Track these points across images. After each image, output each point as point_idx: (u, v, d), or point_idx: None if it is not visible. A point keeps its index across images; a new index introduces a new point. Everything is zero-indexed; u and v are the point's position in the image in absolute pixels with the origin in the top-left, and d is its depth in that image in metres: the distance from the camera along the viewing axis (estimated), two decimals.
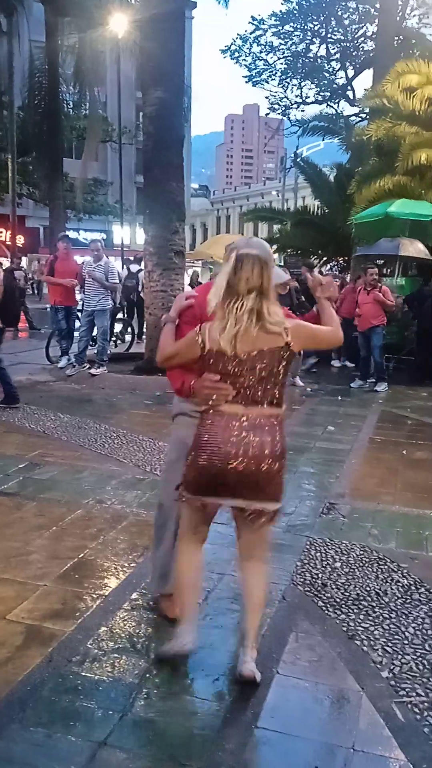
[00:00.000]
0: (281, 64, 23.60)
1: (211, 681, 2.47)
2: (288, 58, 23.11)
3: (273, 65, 23.72)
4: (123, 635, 2.75)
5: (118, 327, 12.86)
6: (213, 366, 2.35)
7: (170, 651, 2.48)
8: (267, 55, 23.54)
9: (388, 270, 11.33)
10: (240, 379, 2.33)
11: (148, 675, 2.48)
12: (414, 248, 10.07)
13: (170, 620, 2.74)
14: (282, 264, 18.57)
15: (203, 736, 2.17)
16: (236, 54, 24.11)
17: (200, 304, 2.59)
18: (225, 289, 2.31)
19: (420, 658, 2.65)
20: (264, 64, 23.81)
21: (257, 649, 2.48)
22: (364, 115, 18.74)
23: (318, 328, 2.51)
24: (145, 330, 10.08)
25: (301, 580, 3.29)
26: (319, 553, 3.62)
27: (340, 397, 8.47)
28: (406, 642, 2.77)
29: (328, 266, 18.64)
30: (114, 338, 12.06)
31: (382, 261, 11.39)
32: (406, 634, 2.83)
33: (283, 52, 23.11)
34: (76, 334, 9.50)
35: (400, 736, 2.20)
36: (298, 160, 18.48)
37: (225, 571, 3.35)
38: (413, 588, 3.25)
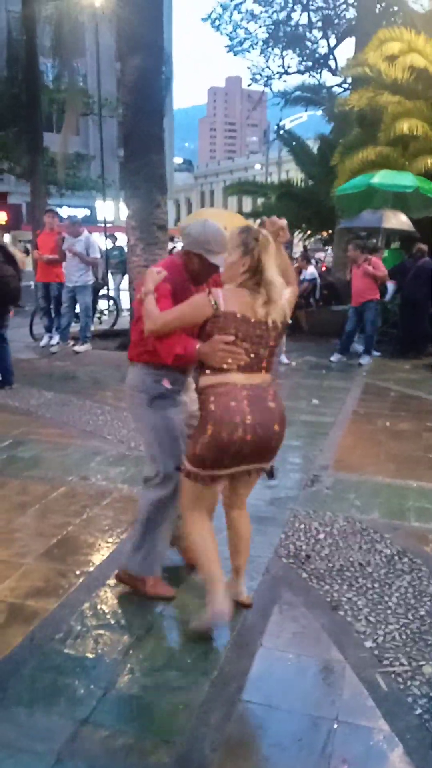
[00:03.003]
0: (262, 32, 23.14)
1: (195, 655, 2.46)
2: (269, 26, 22.63)
3: (254, 34, 23.26)
4: (106, 611, 2.73)
5: (104, 304, 12.73)
6: (223, 329, 2.41)
7: (206, 622, 2.53)
8: (248, 23, 23.07)
9: (375, 242, 11.25)
10: (255, 347, 2.44)
11: (131, 651, 2.47)
12: (397, 220, 9.98)
13: (167, 599, 2.82)
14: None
15: (187, 711, 2.17)
16: (217, 22, 23.61)
17: (173, 281, 2.65)
18: (245, 263, 2.42)
19: (403, 628, 2.66)
20: (245, 33, 23.33)
21: None
22: (346, 86, 18.46)
23: (288, 297, 2.57)
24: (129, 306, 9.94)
25: (285, 552, 3.29)
26: (303, 525, 3.62)
27: (323, 371, 8.45)
28: (389, 611, 2.78)
29: (312, 239, 18.53)
30: (98, 315, 11.92)
31: (366, 233, 11.29)
32: (390, 603, 2.84)
33: (264, 20, 22.64)
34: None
35: (384, 706, 2.21)
36: (282, 132, 18.17)
37: None
38: (396, 558, 3.26)
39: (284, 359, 8.83)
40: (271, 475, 2.67)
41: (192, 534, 2.62)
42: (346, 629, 2.64)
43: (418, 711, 2.19)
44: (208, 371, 2.47)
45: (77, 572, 3.03)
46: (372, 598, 2.87)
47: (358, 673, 2.38)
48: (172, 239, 19.55)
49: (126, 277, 10.96)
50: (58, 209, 11.96)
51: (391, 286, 10.12)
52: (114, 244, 15.80)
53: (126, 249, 10.00)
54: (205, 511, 2.63)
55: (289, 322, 2.56)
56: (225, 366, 2.42)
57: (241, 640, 2.55)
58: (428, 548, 3.39)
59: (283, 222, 2.62)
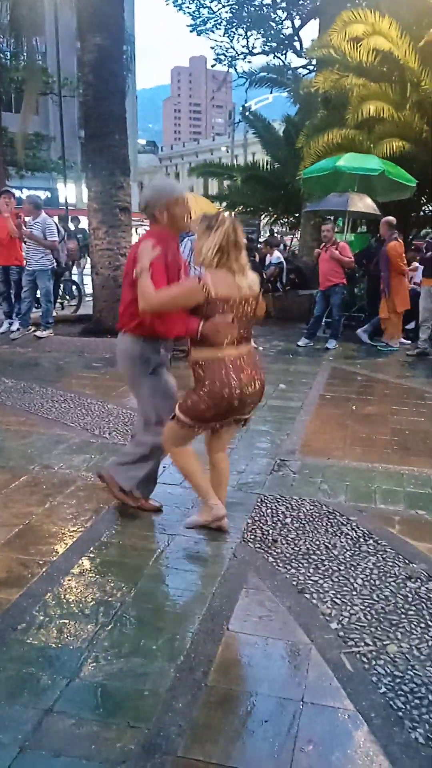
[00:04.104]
0: (226, 12, 22.86)
1: (161, 642, 2.44)
2: (233, 6, 22.37)
3: (217, 13, 22.97)
4: (70, 600, 2.69)
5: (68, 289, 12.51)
6: (215, 311, 2.84)
7: (203, 520, 3.25)
8: (211, 2, 22.76)
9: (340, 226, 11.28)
10: (240, 320, 2.92)
11: (95, 639, 2.44)
12: (363, 203, 10.01)
13: (158, 510, 3.51)
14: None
15: (153, 697, 2.15)
16: (179, 0, 23.21)
17: (165, 251, 3.00)
18: (222, 246, 2.82)
19: (368, 608, 2.69)
20: (208, 12, 23.02)
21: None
22: (311, 67, 18.40)
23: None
24: (92, 291, 9.79)
25: (252, 536, 3.29)
26: (269, 510, 3.62)
27: (291, 355, 8.47)
28: (354, 593, 2.80)
29: (279, 223, 18.50)
30: (60, 300, 11.72)
31: (332, 217, 11.32)
32: (355, 585, 2.86)
33: (228, 0, 22.37)
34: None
35: (349, 686, 2.22)
36: (247, 113, 18.03)
37: (176, 531, 3.32)
38: (362, 540, 3.28)
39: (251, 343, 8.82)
40: (245, 422, 3.22)
41: (178, 462, 3.24)
42: (312, 612, 2.66)
43: (383, 690, 2.21)
44: (203, 346, 2.91)
45: (40, 561, 2.98)
46: (338, 581, 2.89)
47: (324, 654, 2.39)
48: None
49: (89, 260, 10.76)
50: (18, 191, 11.64)
51: None
52: (76, 226, 15.52)
53: (88, 232, 9.82)
54: (184, 445, 3.18)
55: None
56: (226, 342, 2.89)
57: (207, 625, 2.54)
58: (393, 530, 3.43)
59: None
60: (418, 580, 2.91)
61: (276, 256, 12.32)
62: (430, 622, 2.60)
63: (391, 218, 9.20)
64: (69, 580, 2.85)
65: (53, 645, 2.40)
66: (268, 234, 17.15)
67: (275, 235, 17.15)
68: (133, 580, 2.85)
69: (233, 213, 16.12)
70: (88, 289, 11.94)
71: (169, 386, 3.34)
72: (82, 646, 2.40)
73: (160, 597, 2.75)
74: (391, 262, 8.85)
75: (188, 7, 23.35)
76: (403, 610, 2.68)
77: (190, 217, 3.19)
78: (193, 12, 23.39)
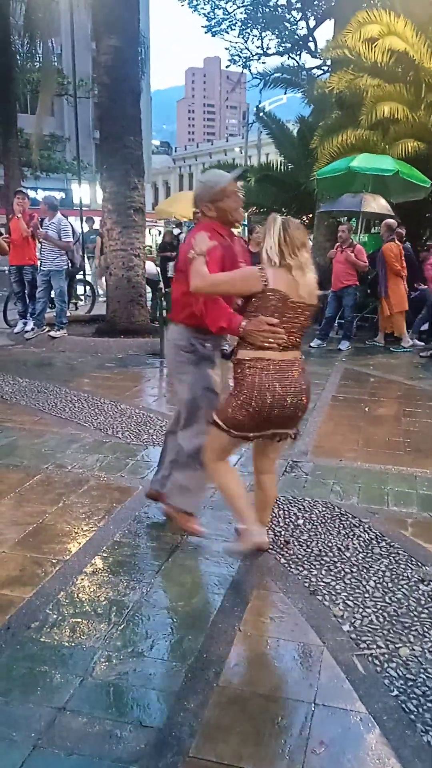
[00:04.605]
0: (241, 13, 22.84)
1: (173, 642, 2.45)
2: (247, 6, 22.34)
3: (232, 14, 22.95)
4: (83, 599, 2.71)
5: (81, 290, 12.56)
6: (268, 307, 2.65)
7: (242, 548, 2.92)
8: (226, 3, 22.74)
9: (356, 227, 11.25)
10: (292, 324, 2.70)
11: (108, 638, 2.45)
12: (377, 204, 9.97)
13: (189, 533, 3.25)
14: (246, 223, 18.28)
15: (165, 697, 2.16)
16: (194, 1, 23.23)
17: (220, 247, 2.87)
18: (280, 245, 2.64)
19: (380, 611, 2.68)
20: (223, 13, 23.00)
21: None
22: (326, 68, 18.33)
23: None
24: (106, 291, 9.82)
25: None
26: (282, 511, 3.62)
27: (303, 356, 8.43)
28: (366, 595, 2.79)
29: None
30: (74, 300, 11.77)
31: (346, 217, 11.28)
32: (367, 587, 2.85)
33: (243, 1, 22.35)
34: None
35: (361, 689, 2.22)
36: (261, 114, 17.99)
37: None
38: (374, 542, 3.27)
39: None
40: (294, 438, 2.94)
41: (218, 482, 3.00)
42: (324, 613, 2.65)
43: (395, 693, 2.20)
44: (248, 346, 2.72)
45: (53, 560, 3.00)
46: (350, 583, 2.89)
47: (336, 656, 2.39)
48: (179, 225, 19.21)
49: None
50: (33, 192, 11.72)
51: None
52: (91, 227, 15.59)
53: (101, 232, 9.86)
54: (226, 459, 2.99)
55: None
56: (266, 345, 2.68)
57: (219, 625, 2.55)
58: (406, 532, 3.42)
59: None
60: (431, 583, 2.90)
61: None
62: None
63: (391, 221, 9.20)
64: (82, 579, 2.86)
65: (66, 644, 2.42)
66: None
67: None
68: (145, 580, 2.86)
69: (246, 213, 16.10)
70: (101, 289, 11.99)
71: (212, 381, 3.14)
72: (95, 645, 2.42)
73: (172, 597, 2.75)
74: (387, 263, 8.87)
75: (203, 8, 23.37)
76: (415, 613, 2.67)
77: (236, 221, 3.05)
78: (208, 13, 23.40)
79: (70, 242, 8.73)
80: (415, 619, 2.63)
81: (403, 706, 2.14)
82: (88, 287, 12.87)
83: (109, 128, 9.04)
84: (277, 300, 2.65)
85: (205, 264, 2.74)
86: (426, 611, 2.68)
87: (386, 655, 2.40)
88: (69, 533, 3.29)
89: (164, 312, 8.26)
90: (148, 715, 2.09)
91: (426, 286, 9.46)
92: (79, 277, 11.93)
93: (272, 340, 2.68)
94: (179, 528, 3.29)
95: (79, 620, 2.56)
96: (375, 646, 2.45)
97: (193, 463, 3.13)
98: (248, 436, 2.82)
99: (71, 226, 9.16)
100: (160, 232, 25.83)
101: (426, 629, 2.56)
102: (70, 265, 9.05)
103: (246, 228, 21.36)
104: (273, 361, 2.70)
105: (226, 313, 2.76)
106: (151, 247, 16.95)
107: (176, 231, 17.35)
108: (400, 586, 2.87)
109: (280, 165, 16.87)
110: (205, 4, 23.22)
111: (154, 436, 4.85)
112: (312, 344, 9.06)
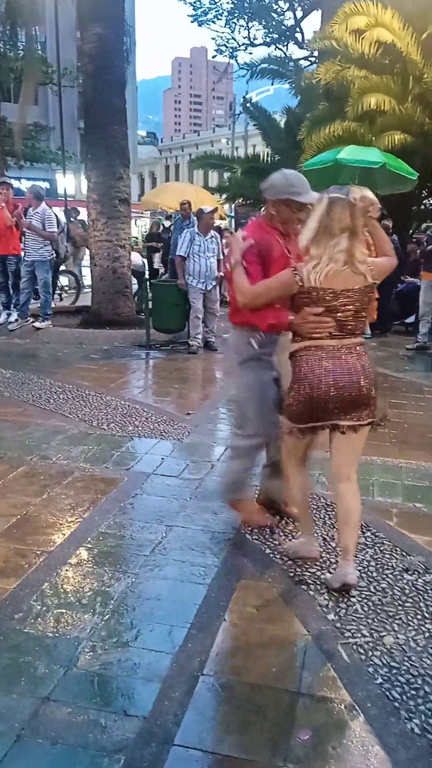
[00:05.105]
0: (227, 2, 22.74)
1: (158, 632, 2.45)
2: None
3: (219, 4, 22.84)
4: (68, 590, 2.70)
5: (65, 280, 12.47)
6: (310, 302, 2.63)
7: (298, 554, 2.94)
8: None
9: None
10: (336, 314, 2.63)
11: (93, 629, 2.44)
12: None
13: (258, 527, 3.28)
14: (233, 214, 18.26)
15: (149, 686, 2.16)
16: None
17: (258, 242, 2.91)
18: (318, 230, 2.58)
19: (365, 600, 2.69)
20: (210, 3, 22.90)
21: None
22: (313, 59, 18.30)
23: (383, 261, 2.78)
24: (91, 281, 9.76)
25: (249, 528, 3.29)
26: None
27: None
28: None
29: None
30: (58, 291, 11.68)
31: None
32: None
33: None
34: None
35: (345, 677, 2.23)
36: (248, 105, 17.91)
37: (174, 522, 3.32)
38: (359, 532, 3.28)
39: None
40: (373, 426, 2.81)
41: (290, 485, 3.03)
42: (309, 603, 2.66)
43: (379, 680, 2.22)
44: (300, 338, 2.71)
45: (37, 552, 2.98)
46: (334, 572, 2.89)
47: (320, 645, 2.40)
48: (169, 217, 18.89)
49: (87, 252, 10.72)
50: (17, 182, 11.58)
51: None
52: (75, 218, 15.46)
53: (87, 223, 9.79)
54: (298, 463, 2.95)
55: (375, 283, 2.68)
56: (315, 335, 2.65)
57: (204, 615, 2.55)
58: (391, 522, 3.44)
59: (374, 198, 2.78)
60: (416, 573, 2.92)
61: None
62: (426, 614, 2.60)
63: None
64: (66, 571, 2.85)
65: (50, 634, 2.41)
66: None
67: None
68: (130, 571, 2.85)
69: (233, 205, 16.06)
70: (87, 280, 11.91)
71: (262, 385, 3.12)
72: (80, 635, 2.41)
73: (157, 587, 2.75)
74: None
75: None
76: (400, 602, 2.69)
77: (293, 233, 2.99)
78: (194, 2, 23.25)
79: (54, 233, 8.64)
80: (400, 608, 2.64)
81: (387, 693, 2.16)
82: (73, 278, 12.77)
83: (93, 118, 8.96)
84: (316, 294, 2.61)
85: (244, 274, 2.82)
86: (410, 600, 2.70)
87: (371, 644, 2.41)
88: (53, 524, 3.27)
89: (149, 303, 8.24)
90: (133, 704, 2.08)
91: (414, 279, 9.49)
92: (62, 268, 11.83)
93: (319, 330, 2.65)
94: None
95: (64, 611, 2.55)
96: (359, 635, 2.46)
97: (232, 458, 3.39)
98: (308, 427, 2.76)
99: (56, 216, 9.07)
100: (146, 223, 25.67)
101: (410, 618, 2.57)
102: (55, 255, 8.96)
103: (233, 219, 21.31)
104: (324, 349, 2.66)
105: (272, 311, 2.78)
106: (137, 237, 16.85)
107: (167, 223, 17.21)
108: (384, 576, 2.89)
109: (267, 156, 16.82)
110: None
111: (140, 428, 4.83)
112: None
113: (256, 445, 3.26)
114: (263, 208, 3.03)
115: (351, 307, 2.64)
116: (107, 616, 2.52)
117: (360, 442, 2.79)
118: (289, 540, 3.17)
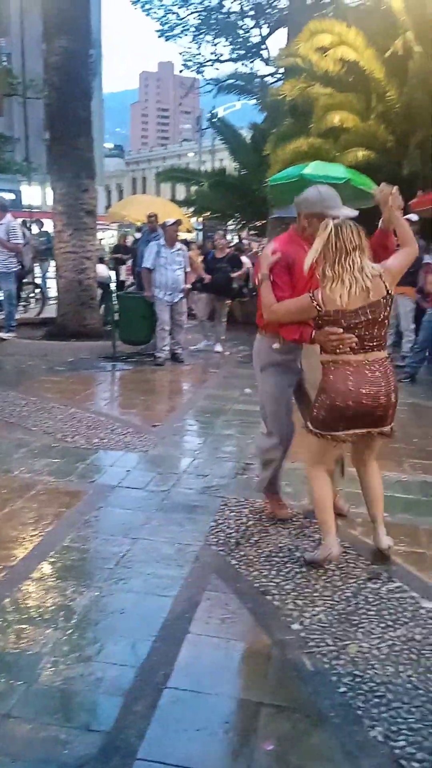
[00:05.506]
0: (194, 18, 22.96)
1: (122, 646, 2.42)
2: (201, 12, 22.47)
3: (185, 20, 23.04)
4: (29, 605, 2.65)
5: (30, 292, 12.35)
6: (332, 323, 2.79)
7: (320, 557, 3.00)
8: (179, 8, 22.83)
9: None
10: (359, 330, 2.79)
11: (55, 644, 2.40)
12: None
13: (278, 519, 3.51)
14: (201, 227, 18.28)
15: (112, 700, 2.13)
16: (147, 6, 23.22)
17: (286, 254, 3.07)
18: (329, 253, 2.75)
19: (329, 609, 2.70)
20: (176, 18, 23.08)
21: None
22: (279, 75, 18.57)
23: (398, 258, 2.92)
24: (57, 293, 9.69)
25: (215, 540, 3.28)
26: (233, 513, 3.62)
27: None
28: (316, 594, 2.81)
29: (247, 230, 18.59)
30: (23, 302, 11.57)
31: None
32: (317, 587, 2.88)
33: (196, 6, 22.45)
34: None
35: (310, 686, 2.23)
36: (214, 120, 18.09)
37: (139, 535, 3.30)
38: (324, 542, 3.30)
39: (218, 348, 8.84)
40: (388, 435, 3.05)
41: (312, 485, 3.12)
42: (274, 613, 2.66)
43: (342, 689, 2.22)
44: (324, 352, 2.90)
45: None
46: (300, 582, 2.91)
47: (285, 655, 2.40)
48: (139, 230, 18.73)
49: (53, 263, 10.65)
50: None
51: None
52: (40, 229, 15.35)
53: (53, 235, 9.73)
54: (323, 468, 3.10)
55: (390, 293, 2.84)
56: (338, 352, 2.83)
57: (169, 628, 2.53)
58: (355, 531, 3.46)
59: (394, 188, 2.98)
60: (379, 581, 2.94)
61: (243, 261, 12.36)
62: (389, 622, 2.62)
63: None
64: (28, 585, 2.80)
65: (11, 650, 2.36)
66: (236, 240, 17.22)
67: (242, 242, 17.18)
68: (94, 584, 2.82)
69: (199, 218, 16.15)
70: (52, 292, 11.81)
71: (280, 389, 3.39)
72: (42, 651, 2.36)
73: (121, 600, 2.72)
74: None
75: (156, 13, 23.36)
76: (364, 610, 2.71)
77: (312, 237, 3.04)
78: (161, 17, 23.41)
79: (19, 245, 8.57)
80: (363, 616, 2.66)
81: (351, 702, 2.17)
82: (37, 290, 12.67)
83: (59, 129, 8.94)
84: (334, 314, 2.78)
85: (270, 289, 3.01)
86: (374, 609, 2.72)
87: (335, 653, 2.42)
88: (15, 539, 3.22)
89: (116, 315, 8.21)
90: (96, 719, 2.06)
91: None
92: (26, 280, 11.72)
93: (341, 347, 2.82)
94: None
95: (25, 626, 2.51)
96: (324, 644, 2.47)
97: (256, 456, 3.70)
98: (334, 436, 2.94)
99: (21, 228, 9.00)
100: (113, 235, 25.61)
101: (373, 626, 2.60)
102: (20, 267, 8.88)
103: (201, 233, 21.40)
104: (350, 363, 2.84)
105: (297, 326, 2.95)
106: (103, 249, 16.77)
107: (138, 235, 17.17)
108: (349, 585, 2.91)
109: (234, 170, 16.97)
110: (158, 9, 23.21)
111: (105, 440, 4.80)
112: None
113: (276, 445, 3.48)
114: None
115: (371, 319, 2.80)
116: (70, 631, 2.48)
117: (379, 442, 3.13)
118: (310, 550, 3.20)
